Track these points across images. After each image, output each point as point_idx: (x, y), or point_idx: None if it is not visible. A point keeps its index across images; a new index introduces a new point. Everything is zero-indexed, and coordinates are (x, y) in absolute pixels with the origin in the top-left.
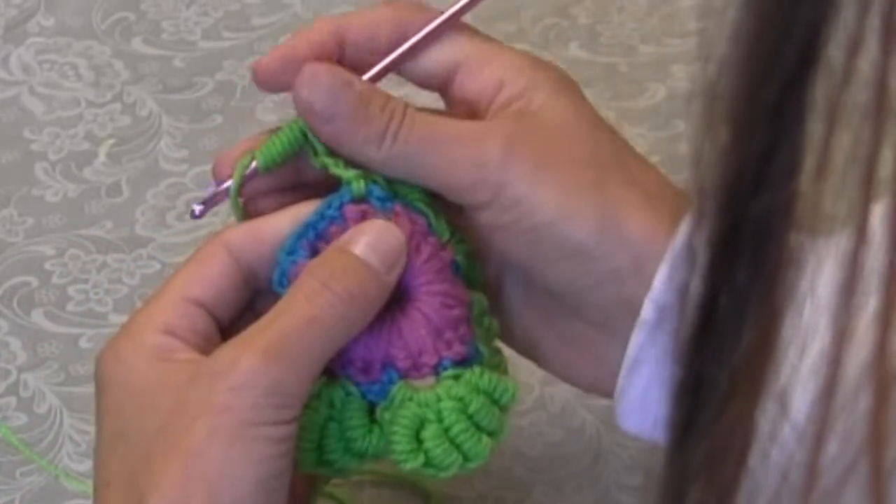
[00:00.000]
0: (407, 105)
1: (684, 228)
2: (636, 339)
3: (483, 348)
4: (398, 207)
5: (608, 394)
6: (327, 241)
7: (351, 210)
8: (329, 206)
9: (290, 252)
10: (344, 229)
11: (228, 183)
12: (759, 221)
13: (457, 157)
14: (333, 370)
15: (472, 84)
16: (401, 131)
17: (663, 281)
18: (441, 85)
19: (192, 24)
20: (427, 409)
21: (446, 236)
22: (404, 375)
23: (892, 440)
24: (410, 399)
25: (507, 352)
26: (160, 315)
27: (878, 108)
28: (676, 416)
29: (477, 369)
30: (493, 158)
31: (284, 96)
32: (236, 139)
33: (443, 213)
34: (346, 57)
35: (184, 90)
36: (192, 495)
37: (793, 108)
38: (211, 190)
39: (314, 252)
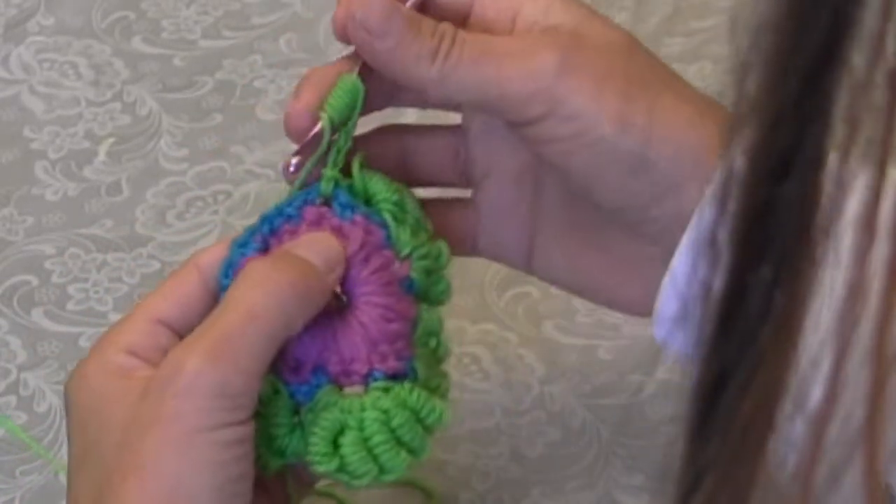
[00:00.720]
0: (455, 30)
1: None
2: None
3: (420, 368)
4: (358, 217)
5: (644, 306)
6: (280, 240)
7: (309, 212)
8: (289, 204)
9: (242, 244)
10: (297, 229)
11: (316, 129)
12: (784, 211)
13: (510, 70)
14: None
15: (487, 12)
16: (452, 50)
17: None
18: (460, 17)
19: (191, 23)
20: (349, 415)
21: (405, 251)
22: (334, 380)
23: (890, 426)
24: (335, 404)
25: (507, 352)
26: (125, 335)
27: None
28: (695, 407)
29: (407, 385)
30: (550, 70)
31: (285, 96)
32: (236, 138)
33: (418, 226)
34: None
35: (184, 89)
36: None
37: (815, 101)
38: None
39: (265, 248)
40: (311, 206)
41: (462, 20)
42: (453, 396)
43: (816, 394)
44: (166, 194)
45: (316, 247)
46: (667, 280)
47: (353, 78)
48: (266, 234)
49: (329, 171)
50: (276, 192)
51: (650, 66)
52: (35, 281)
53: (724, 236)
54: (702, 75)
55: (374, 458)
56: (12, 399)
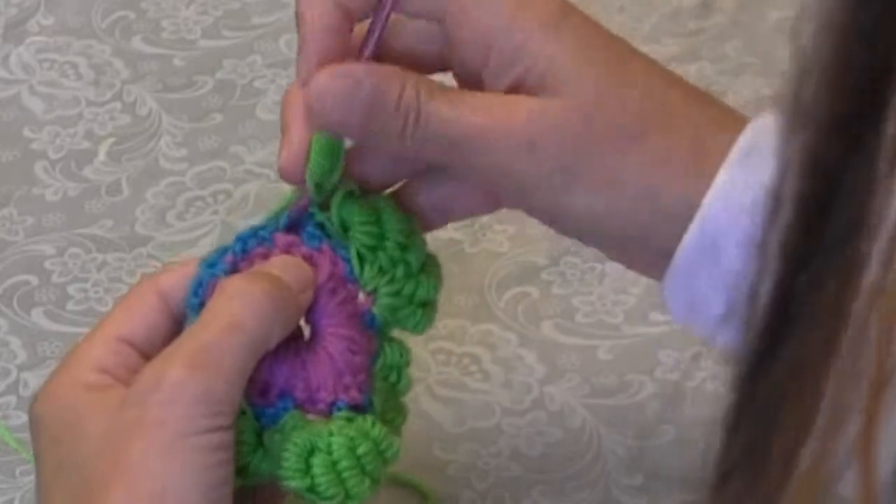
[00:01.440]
0: (422, 93)
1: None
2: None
3: (377, 402)
4: (325, 247)
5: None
6: (250, 263)
7: (280, 238)
8: (263, 227)
9: (211, 265)
10: (269, 253)
11: (303, 201)
12: (834, 229)
13: (474, 162)
14: None
15: (461, 32)
16: (417, 131)
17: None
18: (437, 20)
19: (191, 23)
20: (319, 438)
21: (370, 288)
22: (299, 405)
23: (886, 424)
24: (303, 427)
25: (507, 353)
26: (93, 354)
27: None
28: (732, 406)
29: (369, 418)
30: (515, 166)
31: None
32: (236, 138)
33: (389, 250)
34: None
35: (184, 89)
36: None
37: (871, 117)
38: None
39: (234, 269)
40: (281, 234)
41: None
42: (454, 396)
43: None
44: (166, 194)
45: (288, 268)
46: (670, 280)
47: (330, 141)
48: (237, 255)
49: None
50: (276, 192)
51: (611, 120)
52: (35, 281)
53: (774, 242)
54: (702, 75)
55: (342, 482)
56: (12, 399)
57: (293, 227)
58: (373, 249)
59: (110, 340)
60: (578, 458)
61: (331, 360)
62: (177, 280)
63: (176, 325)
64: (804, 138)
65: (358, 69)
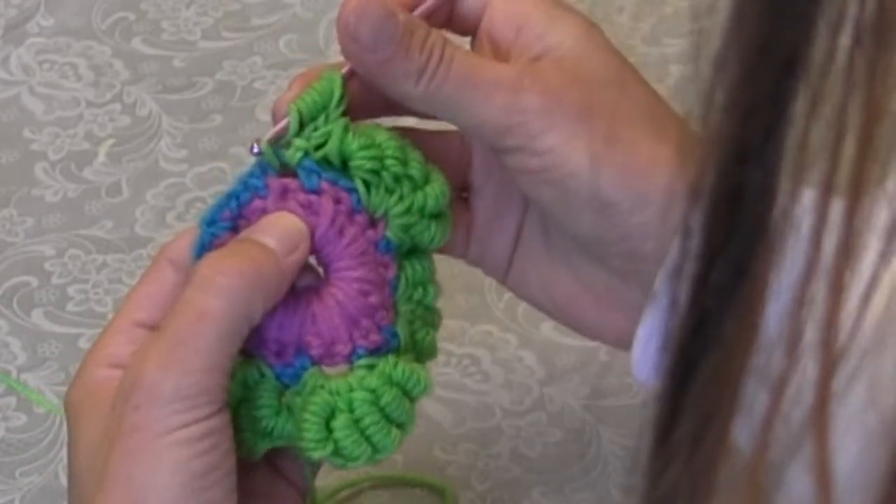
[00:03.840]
0: (447, 43)
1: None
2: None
3: (402, 331)
4: (325, 184)
5: (621, 343)
6: (249, 220)
7: (274, 183)
8: (252, 175)
9: (211, 222)
10: (265, 205)
11: (283, 123)
12: (748, 200)
13: (492, 101)
14: (249, 350)
15: (495, 23)
16: (438, 70)
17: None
18: (471, 22)
19: (191, 24)
20: (338, 397)
21: (379, 213)
22: (317, 362)
23: (836, 416)
24: (322, 387)
25: (507, 354)
26: (107, 347)
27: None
28: (663, 392)
29: (391, 360)
30: (530, 107)
31: None
32: (236, 139)
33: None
34: None
35: (184, 90)
36: None
37: (780, 102)
38: (271, 133)
39: (235, 227)
40: (274, 178)
41: (473, 26)
42: (454, 397)
43: (775, 367)
44: (166, 195)
45: (274, 229)
46: (641, 331)
47: (332, 74)
48: (234, 211)
49: (299, 142)
50: None
51: (637, 101)
52: (35, 282)
53: (695, 225)
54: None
55: (367, 439)
56: (12, 400)
57: (285, 170)
58: (375, 172)
59: (125, 328)
60: (578, 458)
61: (342, 309)
62: (186, 246)
63: None
64: (717, 120)
65: (393, 4)
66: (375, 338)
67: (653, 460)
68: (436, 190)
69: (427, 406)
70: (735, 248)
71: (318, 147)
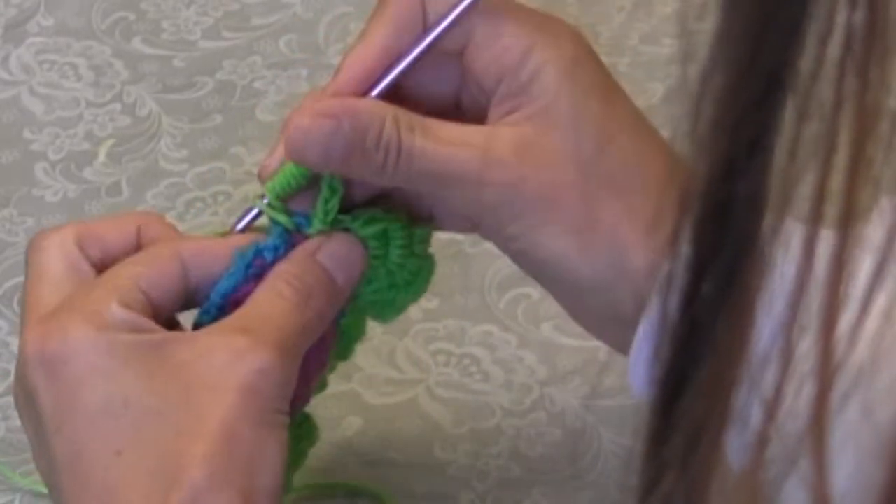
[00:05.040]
0: (402, 130)
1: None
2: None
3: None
4: None
5: (619, 350)
6: (237, 302)
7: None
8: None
9: (247, 265)
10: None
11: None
12: (737, 211)
13: (456, 195)
14: None
15: (478, 63)
16: (399, 164)
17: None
18: (456, 56)
19: (191, 24)
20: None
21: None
22: None
23: (832, 434)
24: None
25: (507, 354)
26: (114, 293)
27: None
28: (656, 404)
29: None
30: (492, 201)
31: (285, 97)
32: (236, 139)
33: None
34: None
35: (184, 90)
36: (232, 473)
37: (768, 111)
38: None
39: (236, 302)
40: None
41: (458, 55)
42: (454, 397)
43: (769, 382)
44: (166, 195)
45: (344, 266)
46: (635, 345)
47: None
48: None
49: (316, 225)
50: None
51: (615, 156)
52: None
53: (685, 237)
54: None
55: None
56: (12, 400)
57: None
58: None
59: (132, 287)
60: (578, 458)
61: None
62: (200, 252)
63: (186, 296)
64: (709, 139)
65: (337, 108)
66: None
67: (646, 471)
68: (413, 291)
69: (427, 406)
70: (724, 260)
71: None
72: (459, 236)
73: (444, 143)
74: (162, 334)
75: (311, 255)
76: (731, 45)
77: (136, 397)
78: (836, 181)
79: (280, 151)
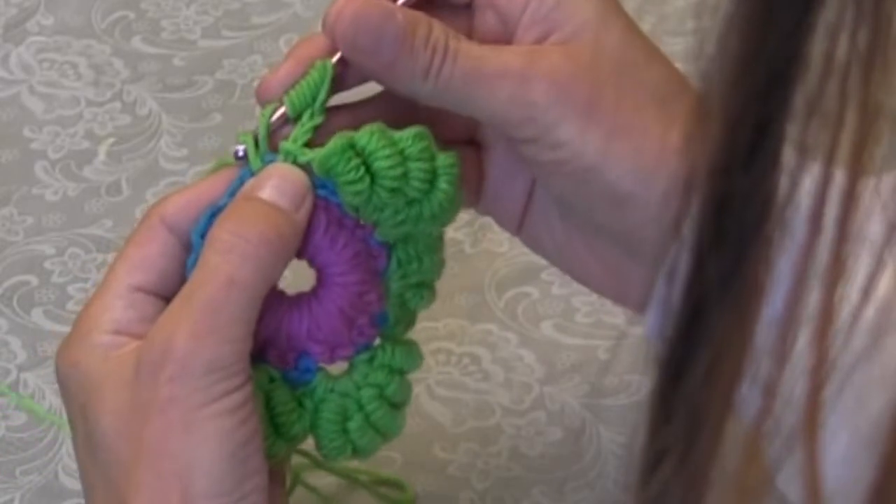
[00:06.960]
0: (450, 36)
1: None
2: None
3: (391, 312)
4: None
5: (632, 305)
6: None
7: None
8: (241, 183)
9: (204, 234)
10: None
11: (279, 113)
12: (742, 203)
13: (501, 95)
14: (252, 357)
15: None
16: (444, 67)
17: None
18: None
19: (191, 23)
20: (348, 398)
21: (371, 221)
22: (319, 361)
23: (825, 426)
24: (331, 390)
25: (507, 353)
26: (107, 312)
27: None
28: (657, 391)
29: (388, 347)
30: (539, 100)
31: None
32: (236, 138)
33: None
34: None
35: (184, 89)
36: (169, 493)
37: (775, 101)
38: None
39: None
40: None
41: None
42: (454, 396)
43: (764, 375)
44: (166, 194)
45: (280, 185)
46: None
47: (325, 64)
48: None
49: (287, 145)
50: None
51: (649, 82)
52: (35, 281)
53: (688, 228)
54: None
55: (378, 431)
56: (12, 400)
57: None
58: (366, 199)
59: (124, 292)
60: (578, 458)
61: (342, 314)
62: (182, 207)
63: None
64: (713, 126)
65: (392, 5)
66: (371, 331)
67: (645, 459)
68: (438, 197)
69: (427, 405)
70: (728, 247)
71: (305, 145)
72: (459, 236)
73: (488, 48)
74: (124, 354)
75: (245, 195)
76: (735, 36)
77: (96, 432)
78: (840, 176)
79: (286, 69)
